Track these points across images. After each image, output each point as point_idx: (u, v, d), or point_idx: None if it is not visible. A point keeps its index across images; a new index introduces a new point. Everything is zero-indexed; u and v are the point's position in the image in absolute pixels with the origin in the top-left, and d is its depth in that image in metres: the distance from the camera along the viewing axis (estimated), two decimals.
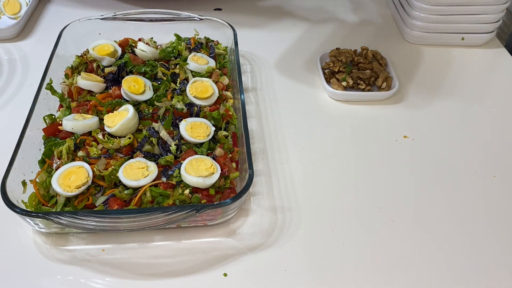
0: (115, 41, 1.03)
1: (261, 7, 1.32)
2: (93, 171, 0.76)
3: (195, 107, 0.88)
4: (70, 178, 0.74)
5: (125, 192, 0.75)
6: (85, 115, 0.86)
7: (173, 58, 1.01)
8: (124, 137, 0.82)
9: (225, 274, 0.70)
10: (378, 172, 0.86)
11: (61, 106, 0.91)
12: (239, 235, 0.75)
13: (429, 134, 0.94)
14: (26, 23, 1.22)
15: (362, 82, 1.02)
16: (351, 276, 0.70)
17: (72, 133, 0.83)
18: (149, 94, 0.91)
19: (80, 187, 0.73)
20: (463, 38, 1.17)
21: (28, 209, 0.71)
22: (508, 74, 1.11)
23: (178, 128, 0.83)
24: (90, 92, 0.92)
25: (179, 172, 0.76)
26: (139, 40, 1.05)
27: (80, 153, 0.80)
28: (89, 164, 0.77)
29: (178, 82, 0.95)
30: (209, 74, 0.97)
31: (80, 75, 0.93)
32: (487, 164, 0.88)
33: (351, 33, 1.24)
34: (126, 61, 0.96)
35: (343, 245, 0.74)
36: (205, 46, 1.05)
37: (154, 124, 0.84)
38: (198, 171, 0.75)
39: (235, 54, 0.99)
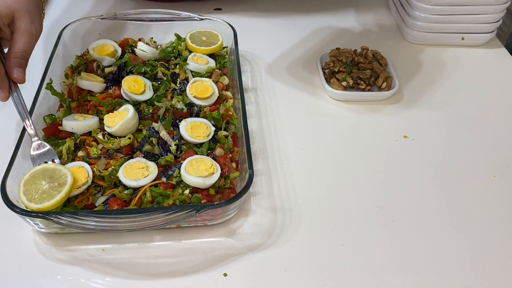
0: (115, 41, 1.03)
1: (261, 7, 1.32)
2: (93, 171, 0.76)
3: (195, 107, 0.88)
4: None
5: (125, 192, 0.75)
6: (85, 115, 0.86)
7: (173, 58, 1.01)
8: (124, 137, 0.82)
9: (225, 274, 0.70)
10: (378, 172, 0.86)
11: (61, 106, 0.91)
12: (239, 235, 0.75)
13: (429, 134, 0.94)
14: None
15: (362, 82, 1.02)
16: (351, 276, 0.70)
17: (72, 133, 0.83)
18: (149, 94, 0.91)
19: (80, 187, 0.73)
20: (463, 38, 1.17)
21: (28, 209, 0.71)
22: (508, 74, 1.11)
23: (178, 128, 0.83)
24: (90, 92, 0.92)
25: (179, 172, 0.76)
26: (139, 40, 1.05)
27: (80, 153, 0.80)
28: (89, 164, 0.77)
29: (178, 82, 0.95)
30: (209, 74, 0.97)
31: (80, 75, 0.93)
32: (487, 164, 0.88)
33: (351, 33, 1.24)
34: (126, 61, 0.96)
35: (343, 245, 0.74)
36: None
37: (154, 124, 0.84)
38: (198, 171, 0.75)
39: (235, 54, 0.99)
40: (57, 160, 0.78)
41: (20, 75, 0.77)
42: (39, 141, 0.78)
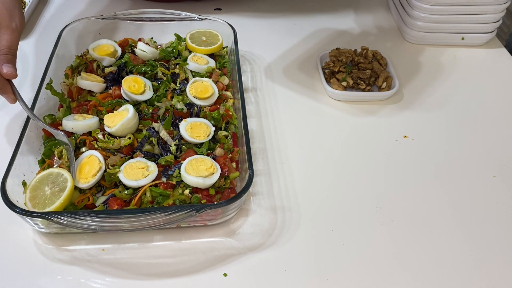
0: (115, 41, 1.03)
1: (261, 7, 1.32)
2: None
3: (195, 107, 0.88)
4: (85, 170, 0.75)
5: (125, 192, 0.75)
6: (85, 115, 0.86)
7: (173, 58, 1.01)
8: (124, 137, 0.82)
9: (225, 274, 0.70)
10: (378, 172, 0.86)
11: (61, 106, 0.91)
12: (239, 235, 0.75)
13: (429, 134, 0.94)
14: (26, 23, 1.22)
15: (362, 82, 1.02)
16: (351, 276, 0.70)
17: (72, 133, 0.83)
18: (149, 94, 0.91)
19: (96, 175, 0.75)
20: (463, 38, 1.17)
21: (28, 209, 0.71)
22: (508, 74, 1.11)
23: (178, 128, 0.83)
24: (90, 92, 0.92)
25: (179, 172, 0.76)
26: (139, 40, 1.05)
27: (84, 149, 0.80)
28: None
29: (178, 82, 0.95)
30: (209, 74, 0.97)
31: (80, 75, 0.93)
32: (487, 164, 0.88)
33: (351, 33, 1.24)
34: (126, 61, 0.96)
35: (343, 245, 0.74)
36: None
37: (154, 124, 0.84)
38: (198, 171, 0.75)
39: (235, 54, 0.99)
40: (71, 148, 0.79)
41: (10, 69, 0.76)
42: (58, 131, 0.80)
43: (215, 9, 1.29)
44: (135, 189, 0.75)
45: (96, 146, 0.80)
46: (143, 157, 0.79)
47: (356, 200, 0.81)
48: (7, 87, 0.78)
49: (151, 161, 0.79)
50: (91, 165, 0.76)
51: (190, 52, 1.03)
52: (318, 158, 0.89)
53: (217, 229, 0.76)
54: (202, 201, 0.73)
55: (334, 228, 0.77)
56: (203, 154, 0.79)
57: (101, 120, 0.86)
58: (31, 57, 1.11)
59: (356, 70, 1.04)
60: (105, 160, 0.78)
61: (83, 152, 0.79)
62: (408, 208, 0.80)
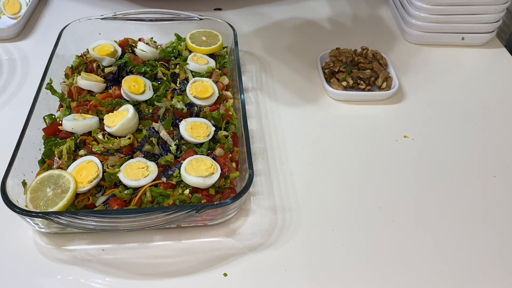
0: (115, 41, 1.03)
1: (261, 7, 1.32)
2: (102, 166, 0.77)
3: (195, 107, 0.88)
4: (81, 174, 0.75)
5: (125, 192, 0.75)
6: (85, 115, 0.86)
7: (173, 58, 1.01)
8: (124, 137, 0.82)
9: (225, 274, 0.70)
10: (378, 172, 0.86)
11: (61, 106, 0.91)
12: (239, 235, 0.75)
13: (429, 134, 0.94)
14: (26, 23, 1.22)
15: (362, 82, 1.02)
16: (351, 276, 0.70)
17: (72, 133, 0.83)
18: (149, 94, 0.91)
19: (92, 182, 0.74)
20: (463, 38, 1.17)
21: (28, 209, 0.71)
22: (508, 74, 1.11)
23: (178, 128, 0.83)
24: (90, 92, 0.92)
25: (179, 172, 0.76)
26: (139, 40, 1.05)
27: (82, 152, 0.80)
28: None
29: (178, 82, 0.95)
30: (209, 74, 0.97)
31: (80, 75, 0.93)
32: (487, 164, 0.88)
33: (351, 33, 1.24)
34: (126, 61, 0.96)
35: (343, 245, 0.74)
36: None
37: (154, 124, 0.84)
38: (198, 171, 0.75)
39: (235, 54, 0.99)
40: None
41: None
42: None
43: (215, 9, 1.30)
44: (135, 189, 0.75)
45: (93, 149, 0.79)
46: (143, 157, 0.79)
47: (356, 200, 0.81)
48: None
49: (151, 161, 0.79)
50: (88, 170, 0.75)
51: (190, 52, 1.03)
52: (318, 158, 0.89)
53: (217, 229, 0.76)
54: (202, 201, 0.73)
55: (334, 228, 0.77)
56: (203, 154, 0.79)
57: (101, 120, 0.86)
58: (31, 57, 1.11)
59: (356, 70, 1.04)
60: (103, 164, 0.77)
61: (82, 155, 0.79)
62: (408, 208, 0.80)
